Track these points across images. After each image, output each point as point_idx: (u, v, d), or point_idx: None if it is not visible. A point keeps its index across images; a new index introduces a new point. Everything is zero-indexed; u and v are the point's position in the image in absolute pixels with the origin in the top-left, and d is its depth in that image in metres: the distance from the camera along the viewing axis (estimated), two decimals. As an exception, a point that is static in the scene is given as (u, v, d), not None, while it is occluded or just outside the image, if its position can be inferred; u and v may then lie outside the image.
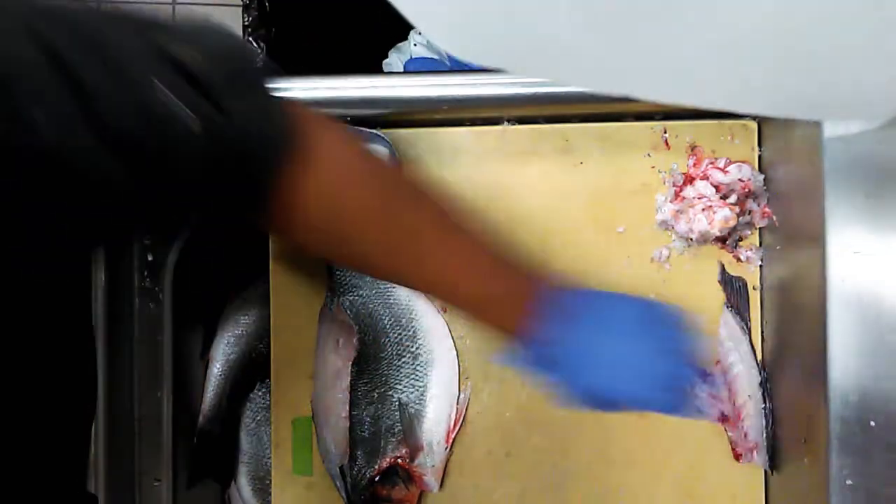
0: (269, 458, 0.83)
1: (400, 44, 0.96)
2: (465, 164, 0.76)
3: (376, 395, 0.75)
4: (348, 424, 0.75)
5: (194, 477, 0.88)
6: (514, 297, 0.53)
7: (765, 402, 0.70)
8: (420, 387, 0.75)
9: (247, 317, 0.91)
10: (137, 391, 0.83)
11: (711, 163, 0.73)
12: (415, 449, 0.74)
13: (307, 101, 0.73)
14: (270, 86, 0.46)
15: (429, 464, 0.74)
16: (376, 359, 0.76)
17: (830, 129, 0.59)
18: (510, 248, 0.54)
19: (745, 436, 0.71)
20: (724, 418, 0.72)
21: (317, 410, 0.77)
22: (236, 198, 0.46)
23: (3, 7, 0.37)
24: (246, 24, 0.99)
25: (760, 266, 0.73)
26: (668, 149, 0.74)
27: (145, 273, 0.83)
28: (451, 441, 0.75)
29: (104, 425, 0.77)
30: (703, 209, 0.70)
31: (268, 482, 0.85)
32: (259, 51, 0.98)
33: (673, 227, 0.73)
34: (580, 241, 0.75)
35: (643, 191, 0.74)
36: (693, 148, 0.74)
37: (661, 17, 0.46)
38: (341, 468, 0.76)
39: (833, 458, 0.57)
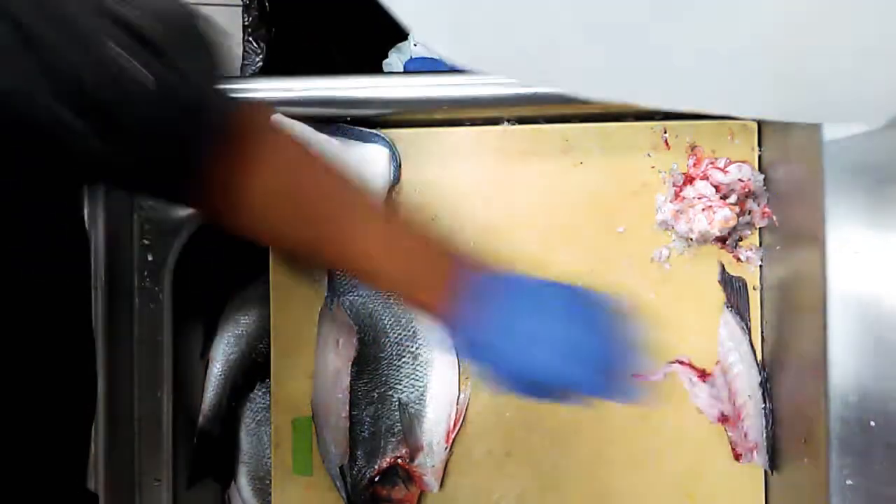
0: (269, 458, 0.83)
1: (400, 44, 0.96)
2: (465, 164, 0.76)
3: (376, 395, 0.75)
4: (348, 424, 0.75)
5: (194, 477, 0.88)
6: (437, 277, 0.53)
7: (765, 402, 0.70)
8: (420, 387, 0.75)
9: (247, 317, 0.91)
10: (137, 391, 0.83)
11: (711, 163, 0.73)
12: (415, 449, 0.74)
13: (307, 100, 0.73)
14: (213, 50, 0.47)
15: (429, 464, 0.74)
16: (376, 359, 0.76)
17: (830, 130, 0.59)
18: (437, 235, 0.56)
19: (745, 436, 0.71)
20: (724, 418, 0.72)
21: (317, 410, 0.77)
22: (180, 157, 0.47)
23: None
24: (246, 24, 0.99)
25: (760, 266, 0.73)
26: (668, 149, 0.74)
27: (145, 273, 0.83)
28: (451, 441, 0.75)
29: (104, 425, 0.77)
30: (703, 209, 0.70)
31: (268, 482, 0.85)
32: (260, 51, 0.98)
33: (673, 227, 0.73)
34: (580, 241, 0.75)
35: (643, 191, 0.74)
36: (693, 148, 0.74)
37: (661, 24, 0.46)
38: (341, 468, 0.76)
39: (833, 458, 0.57)
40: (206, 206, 0.53)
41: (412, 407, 0.75)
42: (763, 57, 0.49)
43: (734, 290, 0.73)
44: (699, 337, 0.74)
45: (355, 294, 0.76)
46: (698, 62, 0.50)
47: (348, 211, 0.54)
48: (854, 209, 0.58)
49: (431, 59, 0.91)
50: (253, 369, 0.90)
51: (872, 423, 0.56)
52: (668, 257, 0.74)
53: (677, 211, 0.72)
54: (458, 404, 0.75)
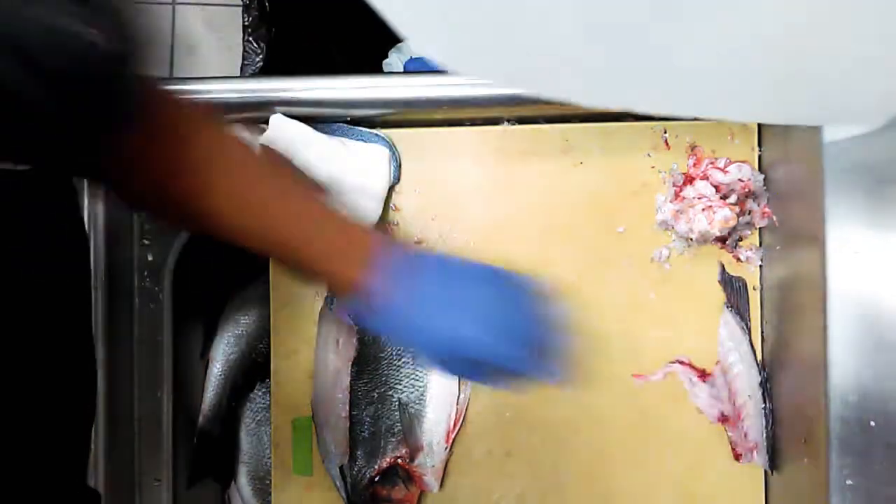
0: (269, 458, 0.83)
1: (400, 44, 0.96)
2: (465, 164, 0.76)
3: (376, 395, 0.75)
4: (348, 424, 0.76)
5: (194, 477, 0.88)
6: (359, 252, 0.53)
7: (765, 402, 0.70)
8: (420, 387, 0.75)
9: (247, 317, 0.91)
10: (137, 391, 0.83)
11: (711, 163, 0.73)
12: (415, 449, 0.74)
13: (307, 101, 0.73)
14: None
15: (429, 464, 0.74)
16: (376, 359, 0.76)
17: (830, 131, 0.59)
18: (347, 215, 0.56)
19: (745, 436, 0.71)
20: (724, 418, 0.72)
21: (317, 410, 0.77)
22: (104, 113, 0.45)
23: None
24: (246, 24, 0.99)
25: (760, 266, 0.73)
26: (668, 149, 0.74)
27: (145, 273, 0.83)
28: (451, 441, 0.75)
29: (104, 425, 0.77)
30: (703, 209, 0.70)
31: (268, 482, 0.85)
32: (260, 51, 0.98)
33: (673, 227, 0.73)
34: (580, 241, 0.75)
35: (643, 191, 0.74)
36: (693, 148, 0.74)
37: (660, 30, 0.46)
38: (341, 468, 0.76)
39: (833, 458, 0.57)
40: (113, 176, 0.52)
41: (412, 407, 0.75)
42: (762, 60, 0.49)
43: (734, 290, 0.73)
44: (699, 337, 0.74)
45: (355, 294, 0.76)
46: (697, 67, 0.50)
47: (262, 183, 0.53)
48: (854, 209, 0.58)
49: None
50: (253, 369, 0.90)
51: (872, 423, 0.56)
52: (668, 257, 0.74)
53: (677, 211, 0.72)
54: (458, 404, 0.75)
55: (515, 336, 0.54)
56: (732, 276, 0.73)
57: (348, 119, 0.75)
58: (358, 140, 0.74)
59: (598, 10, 0.45)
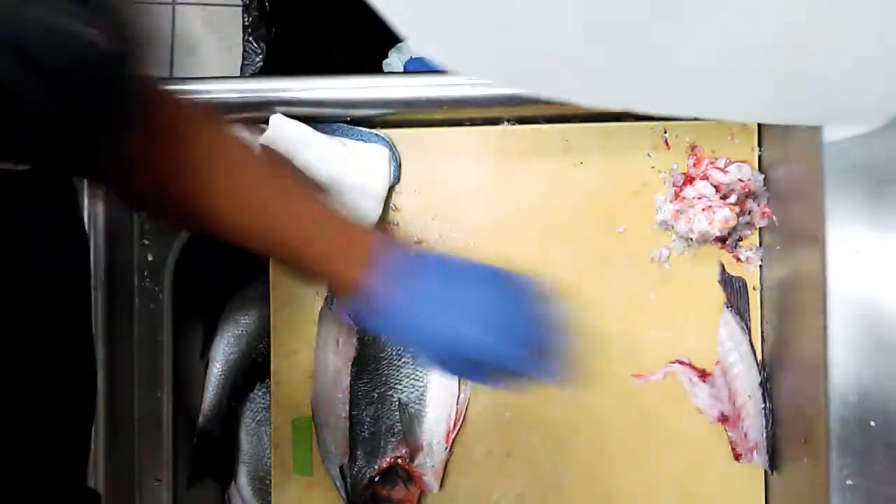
0: (269, 458, 0.83)
1: (400, 44, 0.96)
2: (465, 164, 0.76)
3: (376, 395, 0.75)
4: (348, 424, 0.76)
5: (194, 477, 0.88)
6: (359, 252, 0.53)
7: (765, 402, 0.70)
8: (420, 387, 0.75)
9: (247, 317, 0.91)
10: (137, 391, 0.83)
11: (711, 163, 0.73)
12: (415, 449, 0.74)
13: (307, 101, 0.73)
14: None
15: (429, 464, 0.74)
16: (376, 359, 0.76)
17: (830, 131, 0.59)
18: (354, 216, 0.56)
19: (745, 436, 0.71)
20: (724, 418, 0.72)
21: (317, 410, 0.77)
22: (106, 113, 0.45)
23: None
24: (246, 24, 0.99)
25: (760, 266, 0.73)
26: (668, 149, 0.74)
27: (145, 273, 0.83)
28: (451, 441, 0.75)
29: (104, 425, 0.77)
30: (703, 209, 0.70)
31: (268, 482, 0.85)
32: (260, 51, 0.98)
33: (673, 227, 0.73)
34: (580, 241, 0.75)
35: (643, 191, 0.74)
36: (693, 148, 0.74)
37: (660, 30, 0.46)
38: (341, 468, 0.76)
39: (833, 458, 0.57)
40: (113, 176, 0.51)
41: (412, 407, 0.75)
42: (762, 60, 0.49)
43: (734, 290, 0.73)
44: (699, 337, 0.74)
45: (355, 294, 0.76)
46: (697, 67, 0.50)
47: (262, 183, 0.53)
48: (854, 209, 0.58)
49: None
50: (253, 369, 0.90)
51: (872, 423, 0.56)
52: (668, 257, 0.74)
53: (677, 211, 0.72)
54: (458, 404, 0.75)
55: (515, 336, 0.54)
56: (732, 276, 0.73)
57: (348, 119, 0.75)
58: (358, 140, 0.74)
59: (597, 9, 0.44)
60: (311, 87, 0.73)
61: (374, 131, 0.75)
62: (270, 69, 0.98)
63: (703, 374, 0.73)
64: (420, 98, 0.73)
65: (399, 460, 0.74)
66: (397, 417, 0.75)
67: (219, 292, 0.93)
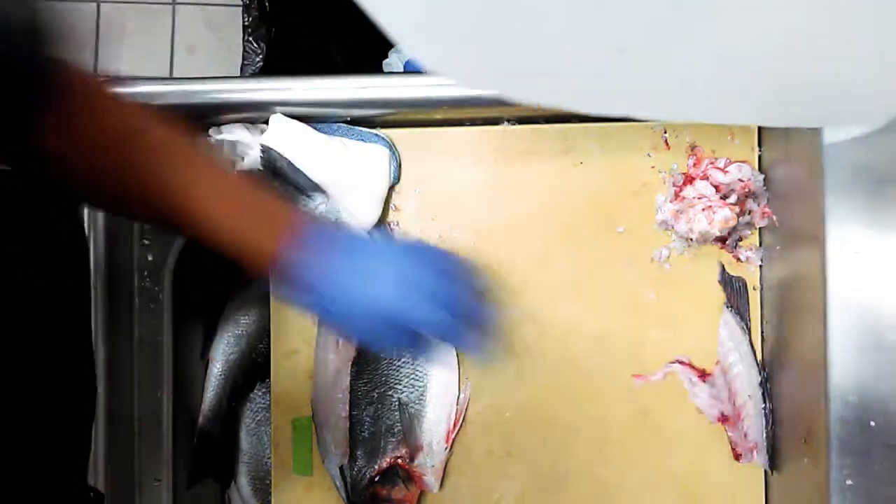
0: (269, 458, 0.83)
1: (400, 44, 0.96)
2: (465, 164, 0.76)
3: (376, 395, 0.75)
4: (348, 424, 0.76)
5: (194, 477, 0.88)
6: (273, 225, 0.53)
7: (765, 402, 0.70)
8: (420, 387, 0.75)
9: (247, 317, 0.91)
10: (137, 391, 0.83)
11: (711, 163, 0.73)
12: (415, 449, 0.74)
13: (307, 101, 0.73)
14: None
15: (429, 464, 0.74)
16: (376, 359, 0.76)
17: (830, 132, 0.59)
18: (270, 192, 0.56)
19: (745, 436, 0.71)
20: (724, 418, 0.72)
21: (317, 410, 0.77)
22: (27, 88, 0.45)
23: None
24: (246, 24, 0.99)
25: (760, 266, 0.73)
26: (668, 149, 0.74)
27: (145, 273, 0.83)
28: (451, 441, 0.75)
29: (104, 425, 0.77)
30: (703, 209, 0.70)
31: (268, 482, 0.85)
32: (260, 51, 0.98)
33: (673, 227, 0.73)
34: (580, 241, 0.75)
35: (643, 191, 0.74)
36: (693, 148, 0.74)
37: (659, 36, 0.46)
38: (341, 468, 0.76)
39: (833, 458, 0.57)
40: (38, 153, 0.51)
41: (412, 407, 0.75)
42: (763, 63, 0.49)
43: (734, 290, 0.73)
44: (699, 337, 0.74)
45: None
46: (698, 72, 0.50)
47: (180, 161, 0.53)
48: (854, 209, 0.58)
49: (431, 59, 0.90)
50: (253, 369, 0.90)
51: (872, 423, 0.56)
52: (668, 257, 0.74)
53: (677, 211, 0.72)
54: (458, 404, 0.75)
55: (437, 299, 0.54)
56: (732, 276, 0.73)
57: (348, 119, 0.75)
58: (358, 140, 0.74)
59: (595, 16, 0.44)
60: (311, 87, 0.73)
61: (374, 131, 0.75)
62: (270, 69, 0.98)
63: (703, 374, 0.73)
64: (420, 98, 0.73)
65: (399, 460, 0.74)
66: (397, 417, 0.75)
67: (219, 292, 0.93)
